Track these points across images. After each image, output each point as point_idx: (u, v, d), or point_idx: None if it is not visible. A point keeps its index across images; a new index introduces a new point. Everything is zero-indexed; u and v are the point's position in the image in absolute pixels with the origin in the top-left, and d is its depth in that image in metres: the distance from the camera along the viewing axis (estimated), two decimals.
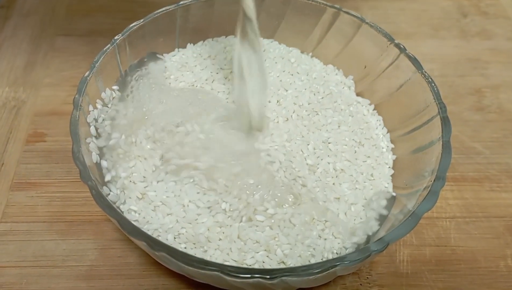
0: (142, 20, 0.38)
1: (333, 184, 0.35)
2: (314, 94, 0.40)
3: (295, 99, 0.39)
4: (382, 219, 0.34)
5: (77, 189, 0.38)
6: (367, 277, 0.35)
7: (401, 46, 0.38)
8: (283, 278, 0.25)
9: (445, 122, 0.33)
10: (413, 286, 0.35)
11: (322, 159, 0.36)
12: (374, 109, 0.40)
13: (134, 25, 0.38)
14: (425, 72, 0.36)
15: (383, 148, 0.38)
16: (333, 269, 0.26)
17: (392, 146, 0.38)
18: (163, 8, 0.39)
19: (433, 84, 0.35)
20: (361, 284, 0.35)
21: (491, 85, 0.49)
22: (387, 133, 0.39)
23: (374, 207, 0.34)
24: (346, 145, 0.37)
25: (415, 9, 0.56)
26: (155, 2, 0.53)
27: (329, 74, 0.42)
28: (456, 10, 0.56)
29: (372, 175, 0.36)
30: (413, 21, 0.55)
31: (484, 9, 0.57)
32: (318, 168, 0.36)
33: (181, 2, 0.40)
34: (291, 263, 0.30)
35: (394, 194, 0.35)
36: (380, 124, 0.40)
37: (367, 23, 0.39)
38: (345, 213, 0.34)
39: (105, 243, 0.36)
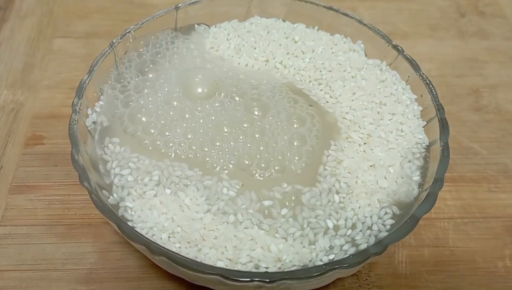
0: (140, 23, 0.38)
1: (364, 151, 0.35)
2: (320, 71, 0.39)
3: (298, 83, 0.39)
4: (424, 171, 0.33)
5: (76, 191, 0.38)
6: (366, 278, 0.35)
7: (399, 47, 0.38)
8: (283, 281, 0.25)
9: (443, 124, 0.33)
10: (412, 287, 0.35)
11: (340, 134, 0.35)
12: (387, 66, 0.39)
13: (133, 28, 0.38)
14: (423, 73, 0.36)
15: (406, 101, 0.37)
16: (332, 272, 0.26)
17: (415, 96, 0.37)
18: (162, 10, 0.39)
19: (431, 86, 0.35)
20: (360, 286, 0.35)
21: (489, 85, 0.49)
22: (407, 85, 0.38)
23: (414, 163, 0.34)
24: (366, 109, 0.37)
25: (412, 9, 0.56)
26: (153, 4, 0.53)
27: (336, 44, 0.41)
28: (453, 10, 0.57)
29: (402, 130, 0.36)
30: (410, 21, 0.55)
31: (481, 9, 0.57)
32: (339, 140, 0.35)
33: (180, 4, 0.40)
34: (287, 259, 0.29)
35: (427, 143, 0.35)
36: (397, 79, 0.38)
37: (365, 24, 0.39)
38: (385, 178, 0.33)
39: (105, 246, 0.36)
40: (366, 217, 0.31)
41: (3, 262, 0.35)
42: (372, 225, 0.31)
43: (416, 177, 0.33)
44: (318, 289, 0.33)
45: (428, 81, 0.36)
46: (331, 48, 0.41)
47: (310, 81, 0.39)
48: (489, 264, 0.36)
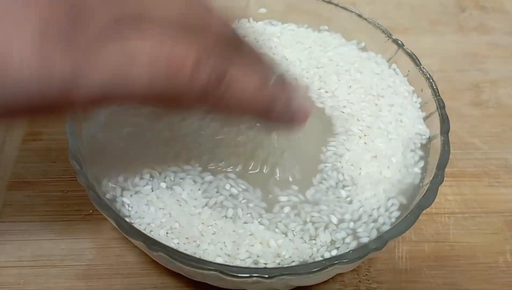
0: None
1: (365, 143, 0.34)
2: (316, 67, 0.39)
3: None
4: (425, 164, 0.33)
5: (75, 187, 0.38)
6: (366, 274, 0.35)
7: (399, 42, 0.38)
8: (282, 277, 0.25)
9: (443, 119, 0.33)
10: (412, 282, 0.35)
11: (339, 128, 0.35)
12: (382, 58, 0.39)
13: None
14: (423, 68, 0.36)
15: (404, 93, 0.37)
16: (331, 267, 0.26)
17: (413, 88, 0.37)
18: None
19: (431, 80, 0.35)
20: (360, 281, 0.35)
21: (490, 80, 0.48)
22: (404, 77, 0.38)
23: (416, 152, 0.34)
24: (363, 102, 0.36)
25: (413, 4, 0.56)
26: None
27: (334, 39, 0.41)
28: (454, 4, 0.56)
29: (401, 120, 0.35)
30: (411, 16, 0.55)
31: (482, 3, 0.57)
32: (338, 134, 0.35)
33: None
34: (286, 254, 0.29)
35: (428, 135, 0.35)
36: (393, 71, 0.38)
37: (364, 18, 0.39)
38: (388, 168, 0.33)
39: (103, 242, 0.36)
40: (373, 209, 0.31)
41: (2, 258, 0.34)
42: (378, 217, 0.31)
43: (418, 168, 0.33)
44: (318, 284, 0.33)
45: (428, 75, 0.35)
46: (325, 43, 0.41)
47: (307, 78, 0.39)
48: (489, 259, 0.36)
